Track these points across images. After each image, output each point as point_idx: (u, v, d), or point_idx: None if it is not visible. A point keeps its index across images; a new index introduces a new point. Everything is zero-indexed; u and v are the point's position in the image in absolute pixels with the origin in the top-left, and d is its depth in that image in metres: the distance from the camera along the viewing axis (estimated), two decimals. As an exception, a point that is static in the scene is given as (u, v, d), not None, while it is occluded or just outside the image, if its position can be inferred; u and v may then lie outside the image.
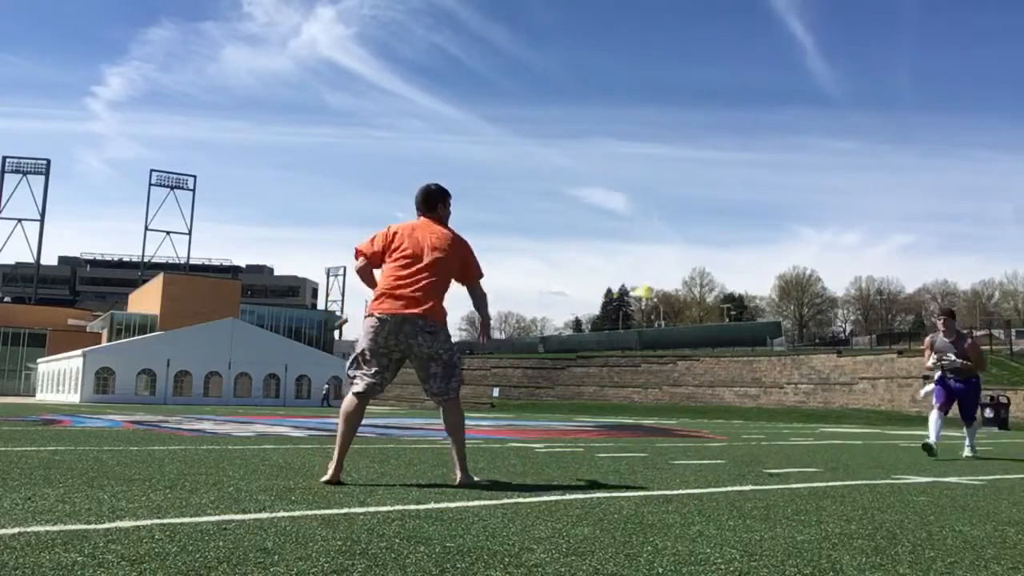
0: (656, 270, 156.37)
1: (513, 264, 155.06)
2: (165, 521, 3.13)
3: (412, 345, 4.69)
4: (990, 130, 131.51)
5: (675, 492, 4.68)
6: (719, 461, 7.39)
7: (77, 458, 6.03)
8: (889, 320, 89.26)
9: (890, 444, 12.26)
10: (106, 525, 3.00)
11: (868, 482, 5.67)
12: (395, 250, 4.84)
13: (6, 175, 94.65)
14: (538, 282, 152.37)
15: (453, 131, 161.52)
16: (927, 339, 9.27)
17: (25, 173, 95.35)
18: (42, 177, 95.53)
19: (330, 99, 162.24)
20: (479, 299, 5.06)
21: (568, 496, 4.32)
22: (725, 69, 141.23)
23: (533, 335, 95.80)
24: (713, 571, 2.50)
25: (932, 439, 8.51)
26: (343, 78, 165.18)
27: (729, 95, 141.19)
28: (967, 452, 8.97)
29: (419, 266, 4.74)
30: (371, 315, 4.75)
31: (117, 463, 5.68)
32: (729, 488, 4.99)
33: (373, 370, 4.79)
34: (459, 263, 4.90)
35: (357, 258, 4.99)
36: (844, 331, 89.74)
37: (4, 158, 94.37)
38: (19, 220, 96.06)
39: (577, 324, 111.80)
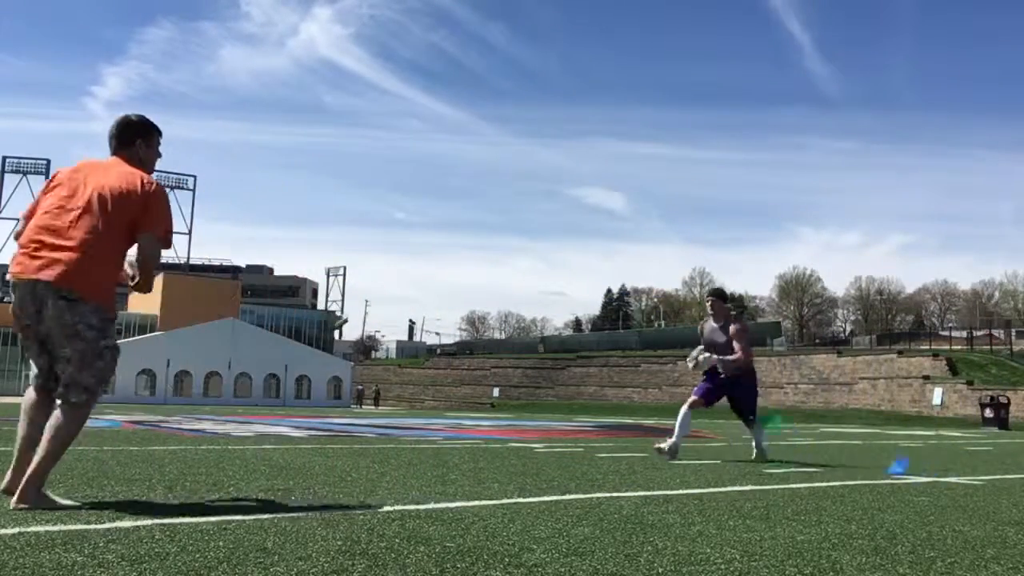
0: (656, 270, 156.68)
1: (512, 264, 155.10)
2: (165, 521, 3.13)
3: (43, 317, 3.43)
4: (990, 130, 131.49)
5: (675, 492, 4.68)
6: (719, 461, 7.39)
7: (77, 458, 6.03)
8: (889, 320, 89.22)
9: (890, 444, 12.26)
10: (106, 525, 3.00)
11: (868, 482, 5.67)
12: (50, 194, 3.63)
13: (6, 175, 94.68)
14: (537, 282, 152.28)
15: (452, 131, 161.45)
16: (700, 325, 7.99)
17: (25, 173, 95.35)
18: (42, 177, 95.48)
19: (329, 99, 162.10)
20: (145, 257, 3.64)
21: (568, 496, 4.32)
22: (723, 69, 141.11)
23: (533, 335, 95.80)
24: (713, 571, 2.51)
25: (671, 440, 7.28)
26: (341, 78, 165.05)
27: (727, 95, 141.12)
28: (755, 453, 7.71)
29: (71, 214, 3.51)
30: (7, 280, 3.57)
31: (117, 463, 5.68)
32: (729, 488, 4.99)
33: (33, 354, 3.62)
34: (137, 210, 3.55)
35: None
36: (844, 331, 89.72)
37: (4, 158, 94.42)
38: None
39: (577, 324, 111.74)
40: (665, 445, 7.30)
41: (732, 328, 7.47)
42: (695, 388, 7.70)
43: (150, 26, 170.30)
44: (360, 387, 55.81)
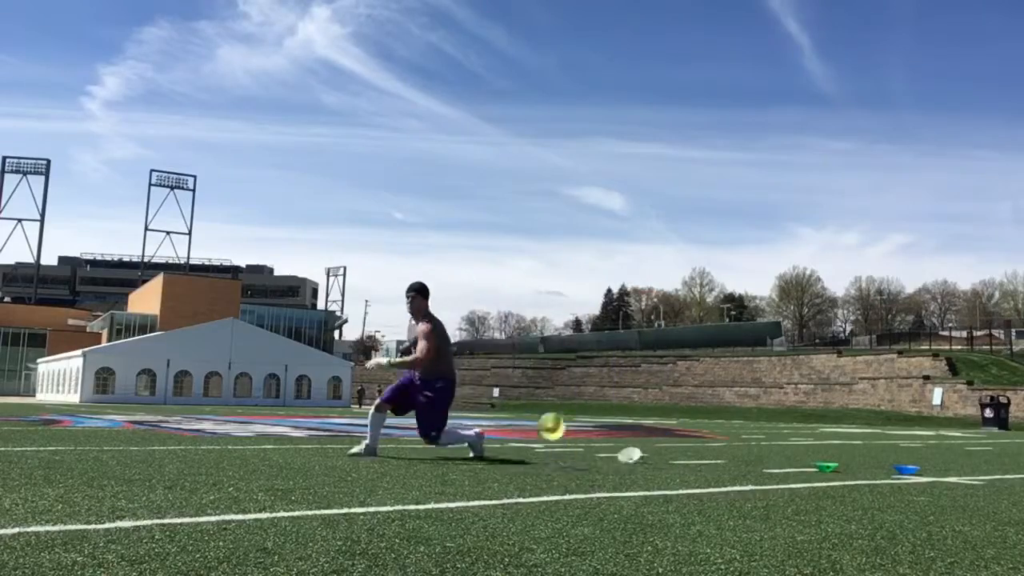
0: (654, 270, 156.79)
1: (511, 264, 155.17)
2: (165, 521, 3.13)
3: None
4: (989, 130, 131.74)
5: (675, 492, 4.68)
6: (719, 461, 7.39)
7: (77, 458, 6.03)
8: (889, 320, 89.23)
9: (890, 444, 12.26)
10: (106, 525, 3.00)
11: (868, 482, 5.67)
12: None
13: (6, 175, 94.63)
14: (536, 282, 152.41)
15: (450, 131, 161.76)
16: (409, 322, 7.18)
17: (25, 173, 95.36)
18: (42, 177, 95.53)
19: (327, 98, 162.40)
20: None
21: (568, 496, 4.31)
22: (722, 69, 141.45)
23: (533, 335, 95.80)
24: (713, 571, 2.50)
25: (362, 446, 6.87)
26: (339, 77, 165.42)
27: (726, 95, 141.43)
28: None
29: None
30: None
31: (117, 463, 5.68)
32: (729, 488, 4.99)
33: None
34: None
35: None
36: (844, 331, 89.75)
37: (4, 158, 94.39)
38: (19, 220, 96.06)
39: (577, 324, 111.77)
40: (360, 448, 6.88)
41: (421, 328, 6.76)
42: (388, 388, 6.97)
43: (147, 25, 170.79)
44: (361, 387, 56.01)
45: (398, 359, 6.85)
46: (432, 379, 6.71)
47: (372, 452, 6.80)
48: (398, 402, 6.84)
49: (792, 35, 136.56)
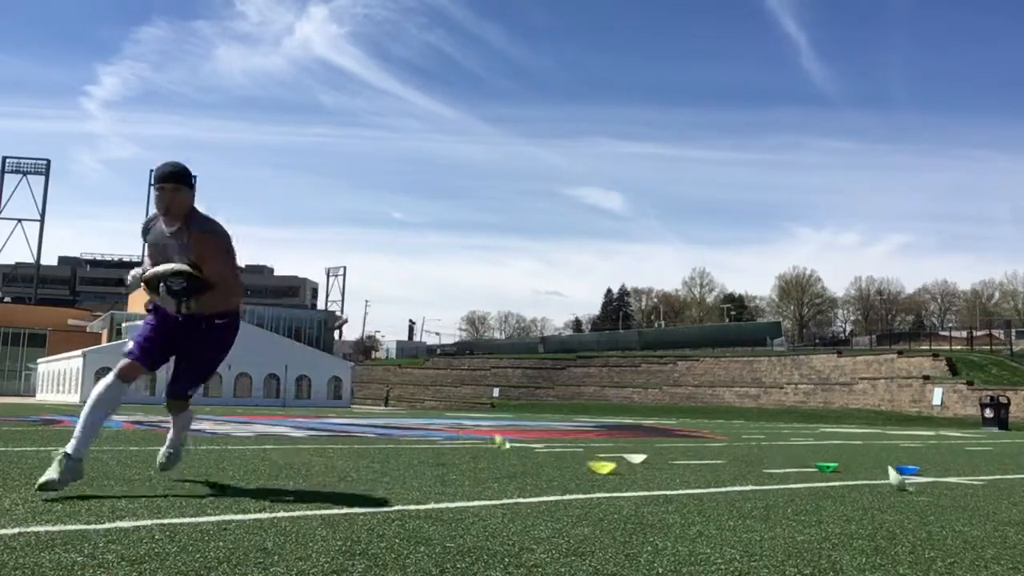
0: (653, 270, 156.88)
1: (511, 264, 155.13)
2: (165, 521, 3.13)
3: None
4: (988, 130, 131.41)
5: (675, 492, 4.68)
6: (719, 461, 7.39)
7: (77, 458, 6.03)
8: (889, 320, 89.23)
9: (890, 444, 12.26)
10: (106, 525, 3.00)
11: (868, 482, 5.67)
12: None
13: (6, 175, 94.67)
14: (536, 282, 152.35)
15: (449, 131, 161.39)
16: (143, 223, 4.42)
17: (25, 173, 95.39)
18: (42, 177, 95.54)
19: (325, 98, 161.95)
20: None
21: (568, 496, 4.32)
22: (720, 69, 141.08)
23: (533, 335, 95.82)
24: (713, 571, 2.50)
25: (60, 462, 3.81)
26: (337, 77, 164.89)
27: (724, 95, 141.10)
28: (162, 455, 4.68)
29: None
30: None
31: (117, 463, 5.68)
32: (729, 488, 4.99)
33: None
34: None
35: None
36: (844, 331, 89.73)
37: (4, 158, 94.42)
38: (19, 220, 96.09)
39: (577, 324, 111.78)
40: (56, 468, 3.80)
41: (204, 239, 4.23)
42: (130, 345, 4.40)
43: (145, 25, 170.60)
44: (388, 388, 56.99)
45: (212, 296, 4.21)
46: (212, 314, 4.28)
47: (78, 472, 3.92)
48: (156, 356, 4.35)
49: (791, 35, 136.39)
